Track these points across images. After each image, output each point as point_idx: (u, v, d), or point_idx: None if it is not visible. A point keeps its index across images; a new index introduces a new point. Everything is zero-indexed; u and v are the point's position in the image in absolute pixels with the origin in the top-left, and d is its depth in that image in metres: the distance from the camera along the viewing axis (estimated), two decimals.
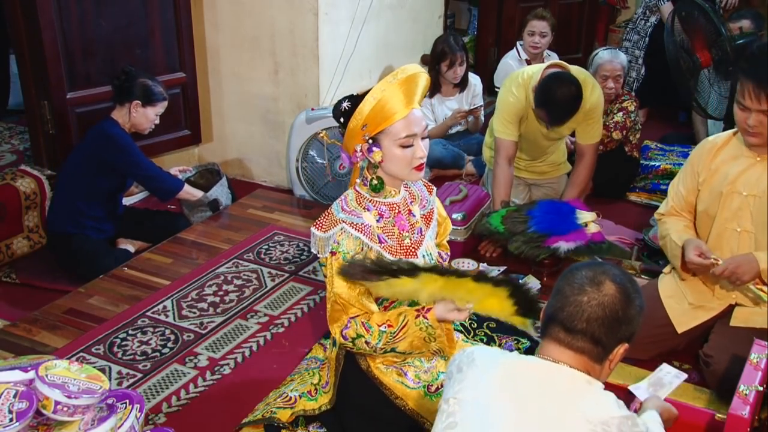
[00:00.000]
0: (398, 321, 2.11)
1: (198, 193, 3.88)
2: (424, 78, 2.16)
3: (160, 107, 3.62)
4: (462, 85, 4.68)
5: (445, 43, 4.55)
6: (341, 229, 2.14)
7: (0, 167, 4.17)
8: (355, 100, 2.12)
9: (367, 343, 2.11)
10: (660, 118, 5.45)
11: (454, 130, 4.73)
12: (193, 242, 3.73)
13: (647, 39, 5.35)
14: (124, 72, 3.55)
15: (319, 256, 2.20)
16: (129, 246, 3.74)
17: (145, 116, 3.56)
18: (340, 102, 2.16)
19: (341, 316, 2.14)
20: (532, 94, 3.45)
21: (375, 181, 2.18)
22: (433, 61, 4.62)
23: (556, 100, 3.31)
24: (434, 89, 4.67)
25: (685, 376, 2.11)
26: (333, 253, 2.14)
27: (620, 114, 4.20)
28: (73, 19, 3.69)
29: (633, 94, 4.60)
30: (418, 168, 2.17)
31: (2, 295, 3.43)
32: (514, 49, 4.81)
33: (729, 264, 2.51)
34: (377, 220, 2.18)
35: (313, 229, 2.19)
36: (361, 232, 2.14)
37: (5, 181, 3.67)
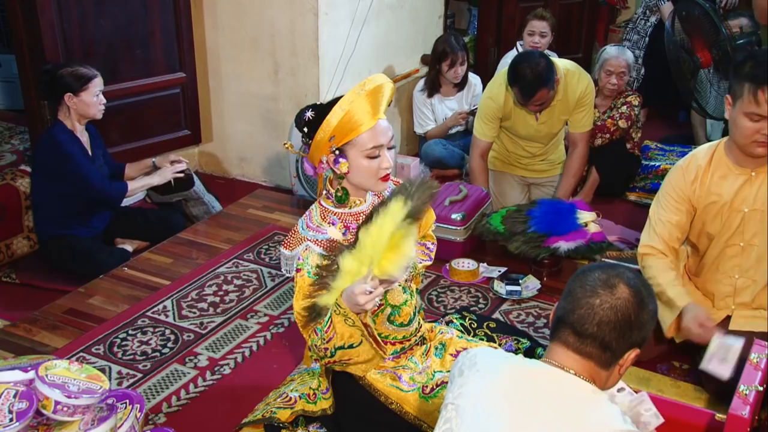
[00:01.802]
0: (327, 315, 2.04)
1: (144, 181, 3.70)
2: (389, 88, 2.14)
3: (94, 86, 3.37)
4: (462, 84, 4.69)
5: (446, 43, 4.55)
6: (305, 247, 2.12)
7: (0, 167, 4.17)
8: (320, 109, 2.10)
9: (316, 346, 2.08)
10: (660, 118, 5.45)
11: (454, 130, 4.73)
12: (193, 242, 3.73)
13: (647, 39, 5.35)
14: (44, 72, 3.40)
15: (287, 275, 2.19)
16: (127, 245, 3.74)
17: (84, 103, 3.37)
18: (303, 111, 2.13)
19: (308, 331, 2.12)
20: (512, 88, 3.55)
21: (340, 193, 2.16)
22: (434, 60, 4.62)
23: (523, 74, 3.40)
24: (434, 89, 4.67)
25: (743, 339, 2.14)
26: (298, 270, 2.11)
27: (624, 107, 4.25)
28: (73, 19, 3.69)
29: (636, 91, 4.61)
30: (384, 179, 2.14)
31: (2, 295, 3.43)
32: (514, 49, 4.80)
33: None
34: (343, 233, 2.15)
35: (281, 248, 2.18)
36: (326, 249, 2.11)
37: (5, 181, 3.67)
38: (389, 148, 2.14)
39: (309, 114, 2.11)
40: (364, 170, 2.11)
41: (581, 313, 1.50)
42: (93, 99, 3.39)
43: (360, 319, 2.01)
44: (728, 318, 2.67)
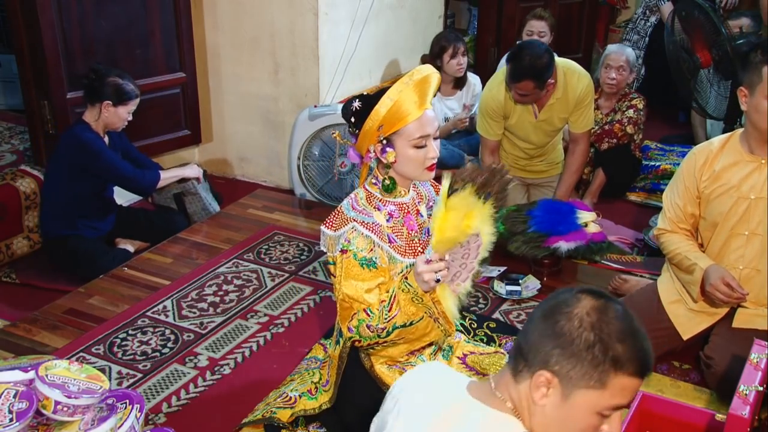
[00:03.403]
0: (389, 294, 2.11)
1: (176, 172, 3.85)
2: (436, 78, 2.17)
3: (132, 105, 3.49)
4: (461, 83, 4.68)
5: (442, 38, 4.57)
6: (352, 227, 2.14)
7: (0, 167, 4.17)
8: (366, 99, 2.13)
9: (368, 327, 2.10)
10: (660, 118, 5.44)
11: (454, 130, 4.73)
12: (193, 242, 3.73)
13: (647, 39, 5.35)
14: (93, 70, 3.45)
15: (328, 254, 2.20)
16: (128, 246, 3.74)
17: (117, 115, 3.45)
18: (350, 101, 2.16)
19: (350, 313, 2.14)
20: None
21: (387, 182, 2.19)
22: (432, 59, 4.62)
23: (521, 57, 3.42)
24: None
25: None
26: (343, 252, 2.13)
27: (631, 111, 4.25)
28: (73, 19, 3.69)
29: (639, 93, 4.61)
30: (430, 168, 2.18)
31: (2, 295, 3.43)
32: None
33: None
34: (387, 220, 2.18)
35: (323, 228, 2.19)
36: (372, 232, 2.14)
37: (5, 181, 3.67)
38: (435, 138, 2.17)
39: (356, 104, 2.14)
40: (411, 160, 2.14)
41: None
42: (125, 115, 3.49)
43: (429, 297, 2.06)
44: (732, 310, 2.66)
